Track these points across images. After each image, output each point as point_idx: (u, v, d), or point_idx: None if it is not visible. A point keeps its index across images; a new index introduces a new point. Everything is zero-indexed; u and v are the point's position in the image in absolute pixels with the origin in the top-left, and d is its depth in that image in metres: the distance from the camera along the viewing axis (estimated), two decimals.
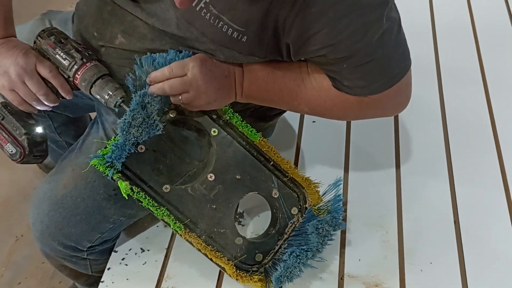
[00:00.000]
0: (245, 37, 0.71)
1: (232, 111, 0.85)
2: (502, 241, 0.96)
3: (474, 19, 1.50)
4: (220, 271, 0.91)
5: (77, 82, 0.79)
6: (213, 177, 0.85)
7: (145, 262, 0.95)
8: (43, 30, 0.81)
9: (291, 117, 1.20)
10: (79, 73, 0.78)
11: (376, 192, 1.05)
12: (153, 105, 0.77)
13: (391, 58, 0.74)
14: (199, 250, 0.83)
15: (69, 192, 0.88)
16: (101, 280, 0.93)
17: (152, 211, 0.81)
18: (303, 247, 0.85)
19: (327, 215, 0.87)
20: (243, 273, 0.84)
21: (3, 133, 0.82)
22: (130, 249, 0.97)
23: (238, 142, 0.86)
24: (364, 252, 0.94)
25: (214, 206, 0.85)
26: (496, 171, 1.07)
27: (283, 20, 0.69)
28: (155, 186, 0.82)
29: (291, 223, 0.89)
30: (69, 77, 0.79)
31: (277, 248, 0.88)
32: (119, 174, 0.79)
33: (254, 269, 0.86)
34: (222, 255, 0.84)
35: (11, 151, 0.82)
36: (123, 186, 0.78)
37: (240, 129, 0.86)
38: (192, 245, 0.83)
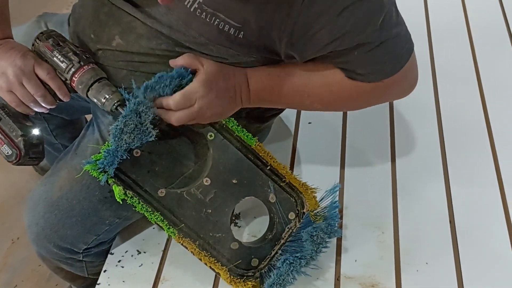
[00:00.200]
0: (242, 33, 0.71)
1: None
2: (497, 240, 0.96)
3: (468, 19, 1.51)
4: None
5: (74, 85, 0.79)
6: (209, 182, 0.85)
7: (142, 264, 0.95)
8: (41, 33, 0.81)
9: (287, 118, 1.20)
10: (76, 76, 0.78)
11: (372, 193, 1.05)
12: (148, 114, 0.76)
13: (398, 37, 0.75)
14: (194, 254, 0.83)
15: (65, 194, 0.88)
16: (98, 282, 0.93)
17: (146, 216, 0.81)
18: (296, 255, 0.85)
19: (322, 222, 0.87)
20: (237, 279, 0.84)
21: (0, 134, 0.82)
22: (127, 251, 0.97)
23: (235, 146, 0.86)
24: (361, 253, 0.94)
25: (210, 211, 0.85)
26: (491, 171, 1.08)
27: (281, 20, 0.69)
28: (150, 190, 0.82)
29: (288, 228, 0.88)
30: (66, 79, 0.80)
31: (273, 253, 0.87)
32: (114, 179, 0.79)
33: (250, 274, 0.86)
34: (216, 260, 0.83)
35: (7, 153, 0.82)
36: (117, 191, 0.78)
37: (236, 133, 0.86)
38: (187, 249, 0.83)
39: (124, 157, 0.77)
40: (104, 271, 0.94)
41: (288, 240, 0.88)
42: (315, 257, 0.87)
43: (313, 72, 0.80)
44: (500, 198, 1.03)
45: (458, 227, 0.98)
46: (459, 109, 1.22)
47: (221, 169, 0.85)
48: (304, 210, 0.88)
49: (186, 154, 0.87)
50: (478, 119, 1.20)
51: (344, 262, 0.93)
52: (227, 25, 0.71)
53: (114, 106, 0.78)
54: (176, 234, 0.82)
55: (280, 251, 0.87)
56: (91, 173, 0.78)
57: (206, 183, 0.85)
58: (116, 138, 0.76)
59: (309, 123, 1.19)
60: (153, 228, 1.01)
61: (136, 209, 0.81)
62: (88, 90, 0.79)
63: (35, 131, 0.84)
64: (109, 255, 0.97)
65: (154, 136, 0.77)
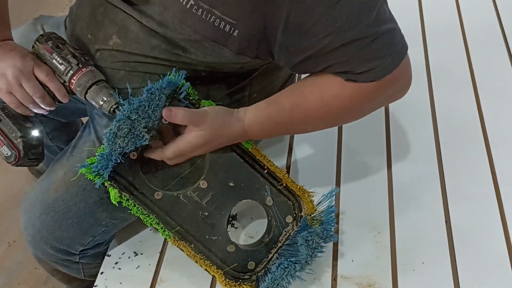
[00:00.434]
0: (237, 30, 0.71)
1: None
2: (493, 240, 0.96)
3: (463, 20, 1.52)
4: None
5: (72, 87, 0.80)
6: (206, 184, 0.85)
7: (139, 266, 0.95)
8: (41, 35, 0.82)
9: None
10: (74, 78, 0.79)
11: (368, 193, 1.05)
12: (140, 122, 0.76)
13: (393, 31, 0.74)
14: (189, 257, 0.83)
15: (61, 196, 0.88)
16: (94, 284, 0.92)
17: (142, 219, 0.81)
18: (291, 259, 0.84)
19: (318, 227, 0.86)
20: (232, 282, 0.84)
21: None
22: (123, 253, 0.97)
23: (232, 149, 0.86)
24: (357, 253, 0.95)
25: (207, 214, 0.85)
26: (486, 171, 1.09)
27: (275, 13, 0.69)
28: (147, 193, 0.82)
29: (285, 231, 0.88)
30: (65, 82, 0.80)
31: (270, 256, 0.87)
32: (110, 181, 0.79)
33: (246, 277, 0.86)
34: (211, 263, 0.83)
35: (6, 154, 0.83)
36: (113, 193, 0.79)
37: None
38: (183, 251, 0.83)
39: (119, 161, 0.77)
40: (101, 273, 0.94)
41: (285, 243, 0.87)
42: (310, 261, 0.86)
43: (310, 95, 0.78)
44: (496, 197, 1.03)
45: (454, 227, 0.98)
46: (454, 110, 1.23)
47: (218, 172, 0.85)
48: (302, 214, 0.88)
49: None
50: (473, 120, 1.20)
51: (340, 262, 0.93)
52: (222, 22, 0.71)
53: (111, 109, 0.78)
54: (172, 237, 0.82)
55: (276, 255, 0.87)
56: (87, 176, 0.78)
57: (203, 186, 0.85)
58: (110, 142, 0.76)
59: None
60: (150, 230, 1.01)
61: (132, 211, 0.81)
62: (86, 93, 0.79)
63: (35, 132, 0.84)
64: (106, 257, 0.97)
65: (148, 140, 0.77)
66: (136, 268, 0.95)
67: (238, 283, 0.84)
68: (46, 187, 0.89)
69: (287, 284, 0.85)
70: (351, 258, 0.94)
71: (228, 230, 0.96)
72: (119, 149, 0.77)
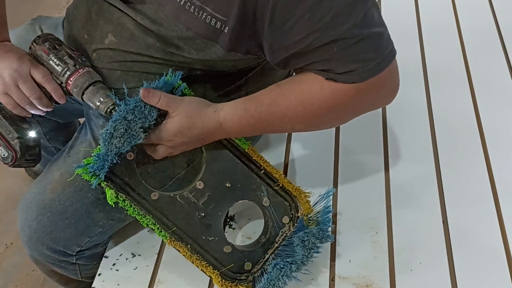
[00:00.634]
0: (227, 27, 0.71)
1: None
2: (490, 239, 0.97)
3: (459, 20, 1.52)
4: None
5: (69, 88, 0.80)
6: (203, 185, 0.85)
7: (136, 267, 0.95)
8: (38, 36, 0.82)
9: None
10: (71, 79, 0.79)
11: (365, 194, 1.05)
12: (136, 122, 0.77)
13: (380, 35, 0.73)
14: (186, 257, 0.83)
15: (57, 196, 0.88)
16: (92, 286, 0.92)
17: (138, 220, 0.81)
18: (287, 259, 0.84)
19: (314, 228, 0.86)
20: (228, 283, 0.84)
21: None
22: (121, 254, 0.97)
23: (228, 150, 0.86)
24: (355, 253, 0.95)
25: (203, 214, 0.85)
26: (483, 171, 1.09)
27: (262, 10, 0.68)
28: (143, 193, 0.82)
29: (281, 232, 0.88)
30: (61, 83, 0.80)
31: (266, 257, 0.87)
32: (106, 182, 0.79)
33: (243, 277, 0.86)
34: (207, 264, 0.83)
35: (3, 155, 0.83)
36: (109, 194, 0.79)
37: (229, 137, 0.86)
38: (179, 252, 0.83)
39: (115, 161, 0.78)
40: (99, 274, 0.94)
41: (281, 244, 0.87)
42: (306, 262, 0.86)
43: (289, 92, 0.77)
44: (492, 197, 1.04)
45: (452, 227, 0.98)
46: (451, 111, 1.23)
47: (215, 172, 0.85)
48: (298, 214, 0.88)
49: (179, 156, 0.87)
50: (470, 120, 1.21)
51: (338, 263, 0.93)
52: (213, 19, 0.71)
53: (108, 109, 0.78)
54: (168, 238, 0.82)
55: (273, 255, 0.87)
56: (83, 176, 0.78)
57: (199, 187, 0.85)
58: (106, 143, 0.76)
59: None
60: (148, 231, 1.01)
61: (128, 212, 0.81)
62: (83, 94, 0.79)
63: (32, 133, 0.85)
64: (103, 259, 0.97)
65: (143, 138, 0.77)
66: (134, 269, 0.95)
67: (235, 283, 0.84)
68: (42, 188, 0.89)
69: (283, 284, 0.85)
70: (348, 258, 0.94)
71: (225, 231, 0.97)
72: (115, 150, 0.77)
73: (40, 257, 0.93)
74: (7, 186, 1.47)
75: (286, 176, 1.06)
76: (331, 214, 0.88)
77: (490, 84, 1.30)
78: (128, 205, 0.80)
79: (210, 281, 0.91)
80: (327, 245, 0.95)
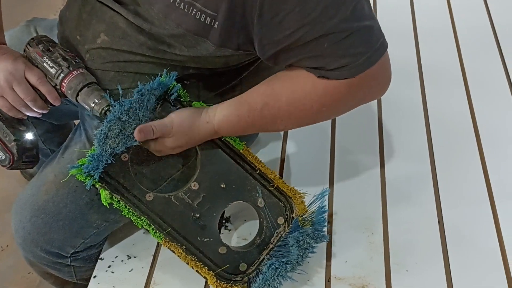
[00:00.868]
0: (217, 22, 0.71)
1: None
2: (485, 239, 0.97)
3: (454, 21, 1.53)
4: None
5: (63, 90, 0.80)
6: (197, 186, 0.85)
7: (132, 269, 0.95)
8: (32, 39, 0.82)
9: None
10: (65, 81, 0.79)
11: (361, 194, 1.05)
12: (130, 123, 0.77)
13: (370, 29, 0.72)
14: (180, 258, 0.83)
15: (51, 198, 0.87)
16: None
17: (132, 221, 0.81)
18: (282, 260, 0.84)
19: (309, 228, 0.86)
20: (223, 284, 0.84)
21: None
22: (116, 256, 0.97)
23: (223, 151, 0.86)
24: (351, 254, 0.95)
25: (198, 215, 0.85)
26: (478, 171, 1.09)
27: (251, 4, 0.68)
28: (138, 194, 0.82)
29: (276, 233, 0.88)
30: (56, 85, 0.80)
31: (262, 257, 0.87)
32: (101, 183, 0.79)
33: (238, 278, 0.85)
34: (202, 265, 0.83)
35: (1, 157, 0.84)
36: (104, 195, 0.79)
37: (224, 138, 0.86)
38: (174, 253, 0.83)
39: (109, 162, 0.78)
40: (94, 276, 0.94)
41: (277, 245, 0.87)
42: (301, 262, 0.86)
43: (281, 93, 0.77)
44: (488, 197, 1.04)
45: (447, 227, 0.98)
46: (446, 110, 1.23)
47: (210, 173, 0.85)
48: (293, 215, 0.88)
49: (173, 157, 0.87)
50: (465, 120, 1.21)
51: (334, 264, 0.93)
52: (203, 15, 0.71)
53: (103, 111, 0.78)
54: (163, 238, 0.82)
55: (268, 256, 0.87)
56: (77, 177, 0.78)
57: (194, 188, 0.85)
58: (101, 143, 0.77)
59: None
60: (144, 232, 1.00)
61: (123, 213, 0.81)
62: (77, 95, 0.79)
63: (29, 135, 0.85)
64: (99, 261, 0.96)
65: (137, 140, 0.78)
66: (129, 271, 0.94)
67: (230, 284, 0.84)
68: (36, 189, 0.89)
69: (278, 284, 0.85)
70: (344, 259, 0.94)
71: (221, 232, 0.97)
72: (109, 150, 0.77)
73: (34, 259, 0.93)
74: (2, 187, 1.46)
75: (281, 175, 1.07)
76: (325, 214, 0.88)
77: (485, 85, 1.30)
78: (123, 206, 0.80)
79: (206, 282, 0.91)
80: (323, 246, 0.95)
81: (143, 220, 0.81)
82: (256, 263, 0.87)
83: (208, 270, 0.83)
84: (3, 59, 0.79)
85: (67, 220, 0.88)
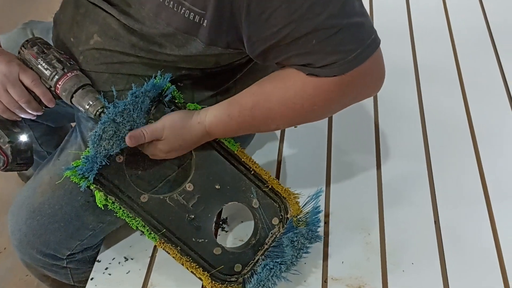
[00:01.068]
0: (206, 20, 0.71)
1: None
2: (481, 240, 0.97)
3: (450, 20, 1.53)
4: None
5: (58, 92, 0.80)
6: (192, 187, 0.85)
7: (129, 271, 0.95)
8: (27, 41, 0.82)
9: None
10: (60, 83, 0.79)
11: (357, 195, 1.05)
12: (125, 125, 0.77)
13: (360, 25, 0.71)
14: (176, 259, 0.83)
15: (47, 200, 0.87)
16: None
17: (127, 222, 0.81)
18: (277, 260, 0.84)
19: (303, 228, 0.86)
20: (218, 284, 0.84)
21: None
22: (114, 258, 0.97)
23: (218, 152, 0.87)
24: (347, 255, 0.95)
25: (193, 216, 0.85)
26: (474, 171, 1.09)
27: (238, 1, 0.68)
28: (133, 196, 0.83)
29: (271, 233, 0.88)
30: (50, 87, 0.80)
31: (256, 258, 0.87)
32: (95, 185, 0.79)
33: (233, 279, 0.86)
34: (197, 266, 0.83)
35: None
36: (98, 196, 0.79)
37: (218, 139, 0.86)
38: (169, 254, 0.83)
39: (104, 163, 0.78)
40: (91, 278, 0.94)
41: (271, 245, 0.87)
42: (296, 262, 0.86)
43: (271, 93, 0.77)
44: (484, 197, 1.04)
45: (443, 227, 0.98)
46: (442, 110, 1.24)
47: (204, 174, 0.86)
48: (288, 216, 0.88)
49: (168, 159, 0.87)
50: (461, 120, 1.21)
51: (331, 264, 0.93)
52: (192, 13, 0.71)
53: (97, 112, 0.78)
54: (158, 240, 0.82)
55: (262, 257, 0.87)
56: (72, 179, 0.78)
57: (189, 189, 0.85)
58: (95, 145, 0.77)
59: (295, 127, 1.20)
60: (140, 234, 1.00)
61: (118, 214, 0.81)
62: (72, 97, 0.79)
63: (23, 137, 0.85)
64: (96, 263, 0.96)
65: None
66: (127, 273, 0.94)
67: (225, 285, 0.84)
68: (32, 191, 0.89)
69: (272, 285, 0.85)
70: (341, 259, 0.94)
71: (218, 233, 0.97)
72: (104, 152, 0.77)
73: (31, 261, 0.93)
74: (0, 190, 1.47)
75: (278, 176, 1.07)
76: (320, 214, 0.88)
77: (481, 84, 1.31)
78: (118, 208, 0.80)
79: (203, 284, 0.91)
80: (320, 246, 0.95)
81: (138, 222, 0.81)
82: (251, 264, 0.87)
83: (203, 271, 0.83)
84: None
85: (63, 222, 0.88)
